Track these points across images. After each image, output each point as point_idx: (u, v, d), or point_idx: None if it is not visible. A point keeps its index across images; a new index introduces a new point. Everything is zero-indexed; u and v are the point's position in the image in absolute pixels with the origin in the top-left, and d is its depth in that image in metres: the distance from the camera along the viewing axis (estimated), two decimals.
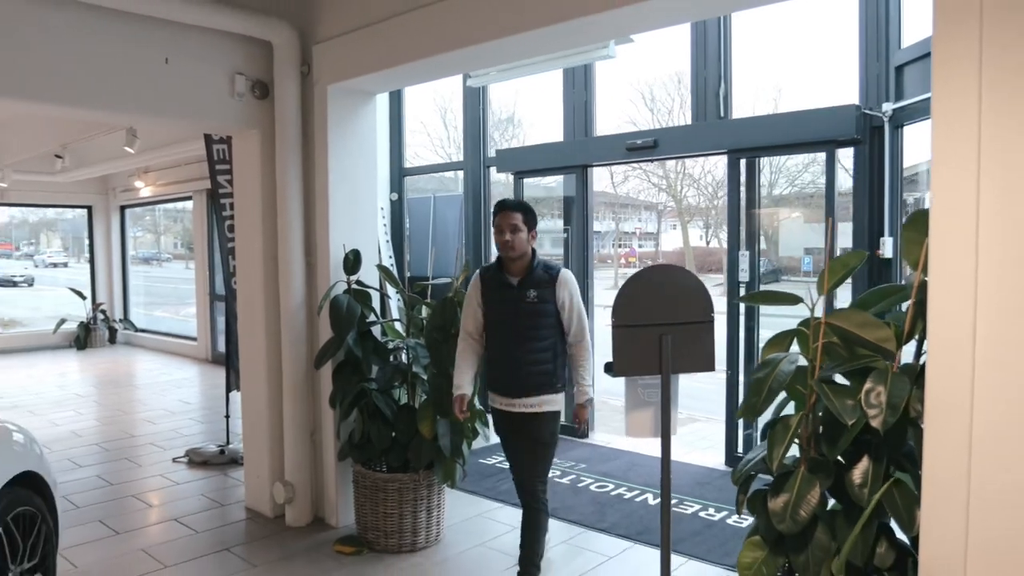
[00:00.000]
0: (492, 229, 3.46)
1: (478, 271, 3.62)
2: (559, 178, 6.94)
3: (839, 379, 2.53)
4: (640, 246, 30.23)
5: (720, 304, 5.03)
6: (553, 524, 4.53)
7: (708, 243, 25.41)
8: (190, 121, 4.42)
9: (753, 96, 9.75)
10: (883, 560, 2.41)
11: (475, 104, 7.29)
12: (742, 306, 5.43)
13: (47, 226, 28.04)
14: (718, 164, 18.51)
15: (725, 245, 5.92)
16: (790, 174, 12.58)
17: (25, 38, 3.56)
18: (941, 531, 2.21)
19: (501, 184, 7.87)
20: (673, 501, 4.84)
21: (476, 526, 4.50)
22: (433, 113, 9.89)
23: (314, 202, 4.50)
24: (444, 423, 4.00)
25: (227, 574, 3.86)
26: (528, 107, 10.55)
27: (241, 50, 4.36)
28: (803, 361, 2.62)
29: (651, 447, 5.96)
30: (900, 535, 2.44)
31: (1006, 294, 2.06)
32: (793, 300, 2.64)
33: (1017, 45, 2.02)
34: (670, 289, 2.81)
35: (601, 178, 23.42)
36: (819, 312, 2.57)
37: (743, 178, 5.52)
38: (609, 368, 2.87)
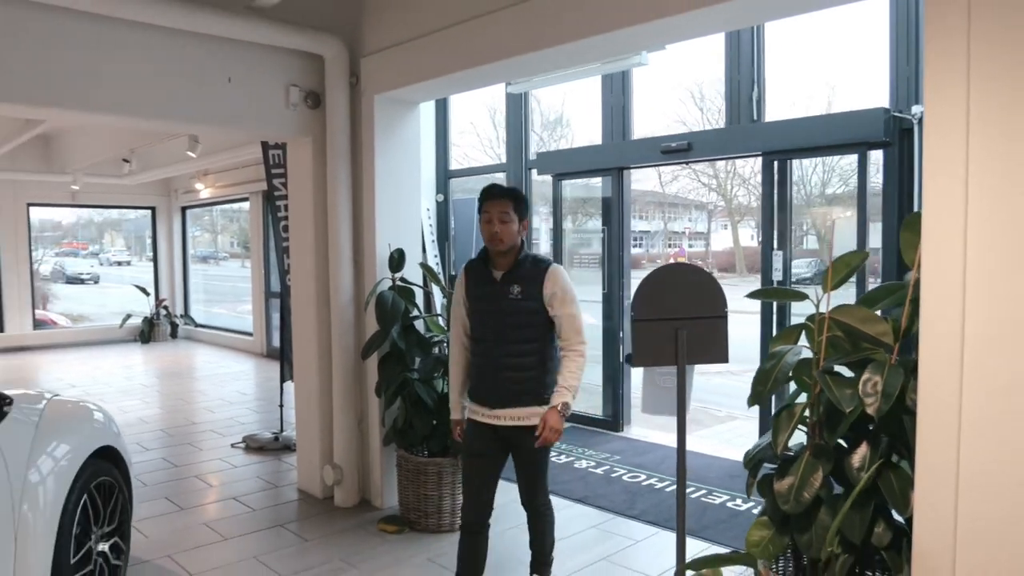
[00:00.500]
0: (479, 218, 3.14)
1: (464, 265, 3.32)
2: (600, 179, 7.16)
3: (843, 371, 2.72)
4: (690, 246, 30.11)
5: (756, 303, 5.22)
6: (584, 509, 4.77)
7: (760, 243, 25.17)
8: (250, 130, 4.79)
9: (785, 99, 9.80)
10: (880, 539, 2.59)
11: (517, 108, 7.55)
12: (775, 304, 5.59)
13: (111, 226, 29.16)
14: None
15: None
16: (843, 173, 12.52)
17: (104, 58, 3.94)
18: (933, 512, 2.39)
19: (543, 184, 8.10)
20: (703, 492, 5.04)
21: (512, 510, 4.72)
22: (483, 114, 10.17)
23: (362, 204, 4.81)
24: None
25: (281, 547, 4.20)
26: (575, 108, 10.79)
27: (296, 64, 4.69)
28: (809, 353, 2.81)
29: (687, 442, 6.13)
30: (899, 517, 2.62)
31: (993, 291, 2.23)
32: (799, 296, 2.84)
33: (1002, 60, 2.19)
34: (686, 286, 3.02)
35: (649, 177, 23.45)
36: (824, 308, 2.76)
37: (776, 179, 5.67)
38: (629, 359, 3.11)
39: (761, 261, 5.77)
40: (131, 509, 3.64)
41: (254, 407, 7.88)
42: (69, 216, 22.22)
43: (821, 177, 12.44)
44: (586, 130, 7.19)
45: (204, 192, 12.51)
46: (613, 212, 6.73)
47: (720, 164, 20.80)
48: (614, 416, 6.65)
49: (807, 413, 2.77)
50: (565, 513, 4.71)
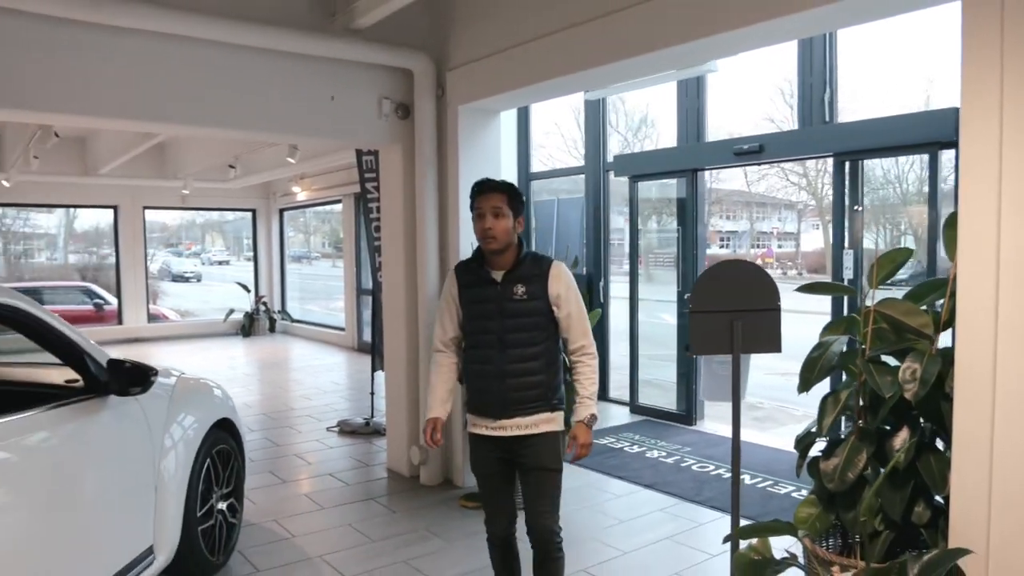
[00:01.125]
0: (472, 214, 2.98)
1: (455, 266, 3.14)
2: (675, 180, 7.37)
3: (891, 360, 2.92)
4: (779, 246, 29.53)
5: (825, 302, 5.36)
6: (652, 495, 5.03)
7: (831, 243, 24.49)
8: (346, 140, 5.26)
9: (857, 100, 9.71)
10: (920, 517, 2.78)
11: (595, 112, 7.84)
12: (845, 300, 5.69)
13: (213, 227, 30.83)
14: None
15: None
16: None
17: (222, 79, 4.46)
18: (968, 488, 2.58)
19: (621, 185, 8.35)
20: (769, 482, 5.22)
21: (583, 492, 5.07)
22: (568, 116, 10.48)
23: (447, 206, 5.21)
24: None
25: (371, 517, 4.64)
26: (659, 110, 11.00)
27: (387, 78, 5.13)
28: (855, 344, 3.01)
29: (756, 436, 6.30)
30: (938, 499, 2.80)
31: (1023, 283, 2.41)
32: (847, 291, 3.05)
33: None
34: (741, 280, 3.27)
35: (735, 177, 23.18)
36: (870, 302, 2.96)
37: (847, 180, 5.77)
38: (688, 348, 3.36)
39: (832, 261, 5.88)
40: (243, 475, 4.13)
41: (346, 395, 8.44)
42: (175, 218, 23.70)
43: (918, 175, 12.17)
44: (670, 131, 7.41)
45: (301, 195, 13.28)
46: (688, 213, 6.93)
47: (811, 163, 20.41)
48: (687, 410, 6.84)
49: (852, 399, 2.98)
50: (632, 498, 5.00)
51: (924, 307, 2.91)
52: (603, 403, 7.81)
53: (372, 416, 6.88)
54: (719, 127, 6.95)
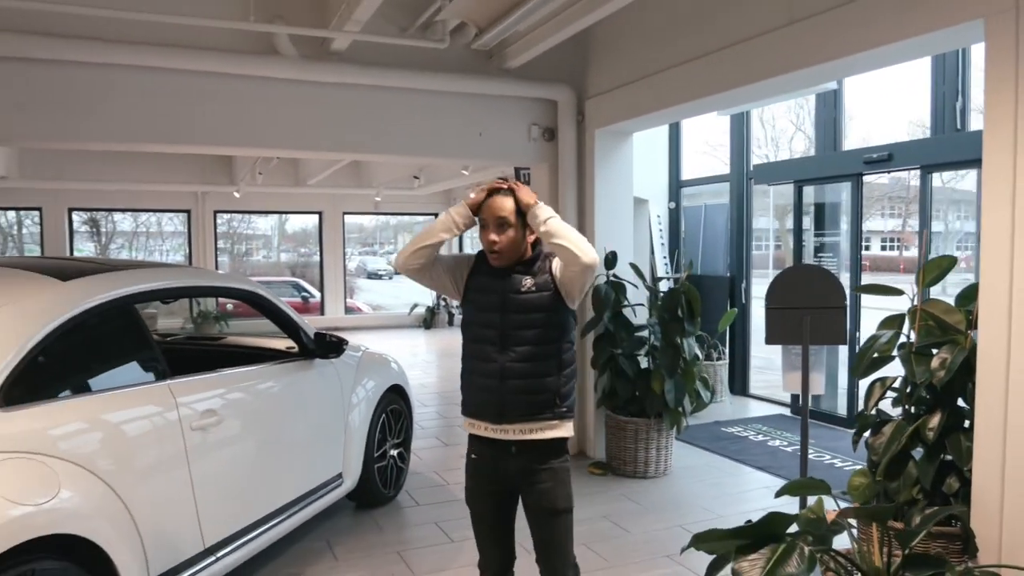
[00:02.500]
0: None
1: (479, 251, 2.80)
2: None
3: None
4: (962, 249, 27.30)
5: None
6: (762, 476, 5.58)
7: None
8: (504, 160, 6.24)
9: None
10: (950, 487, 3.26)
11: (739, 124, 8.32)
12: None
13: (403, 229, 33.32)
14: None
15: None
16: None
17: (403, 116, 5.57)
18: (986, 461, 3.05)
19: (766, 192, 8.75)
20: (849, 463, 5.60)
21: (699, 470, 5.70)
22: (721, 125, 10.90)
23: (585, 215, 6.04)
24: (670, 382, 5.29)
25: None
26: (800, 120, 11.13)
27: (535, 107, 6.04)
28: (903, 338, 3.50)
29: None
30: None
31: None
32: (896, 292, 3.52)
33: None
34: (811, 282, 3.83)
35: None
36: (917, 302, 3.44)
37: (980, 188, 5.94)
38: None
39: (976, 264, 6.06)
40: (411, 433, 5.21)
41: None
42: (371, 222, 26.12)
43: None
44: (799, 139, 7.76)
45: None
46: (842, 217, 7.26)
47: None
48: (820, 406, 7.21)
49: (901, 385, 3.48)
50: (743, 477, 5.58)
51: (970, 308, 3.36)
52: (743, 398, 8.29)
53: None
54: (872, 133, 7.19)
